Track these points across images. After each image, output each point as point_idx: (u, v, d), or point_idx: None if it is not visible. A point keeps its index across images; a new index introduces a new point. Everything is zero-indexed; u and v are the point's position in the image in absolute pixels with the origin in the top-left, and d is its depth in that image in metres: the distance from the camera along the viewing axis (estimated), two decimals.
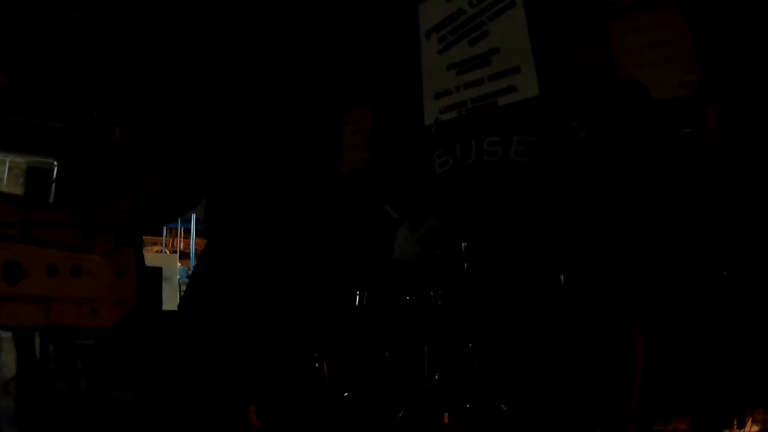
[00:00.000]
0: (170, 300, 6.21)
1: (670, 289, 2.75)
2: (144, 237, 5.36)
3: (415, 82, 4.35)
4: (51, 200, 7.67)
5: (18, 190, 8.58)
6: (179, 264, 8.07)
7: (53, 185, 8.24)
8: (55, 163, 7.92)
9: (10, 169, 8.88)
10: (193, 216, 8.99)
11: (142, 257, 2.86)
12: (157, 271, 6.27)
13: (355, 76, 4.78)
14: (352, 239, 4.02)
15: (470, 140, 3.78)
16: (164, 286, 6.41)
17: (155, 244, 10.32)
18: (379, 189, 4.22)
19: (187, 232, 10.08)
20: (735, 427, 2.45)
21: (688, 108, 3.29)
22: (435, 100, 4.19)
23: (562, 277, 2.78)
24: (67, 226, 1.14)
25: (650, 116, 2.56)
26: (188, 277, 7.71)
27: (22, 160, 8.71)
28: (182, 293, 6.60)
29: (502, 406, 2.76)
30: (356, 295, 3.19)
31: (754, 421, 2.43)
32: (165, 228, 9.74)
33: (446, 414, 2.70)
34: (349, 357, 3.22)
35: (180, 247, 10.66)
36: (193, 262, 8.96)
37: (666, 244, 2.70)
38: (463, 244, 3.08)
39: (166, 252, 9.93)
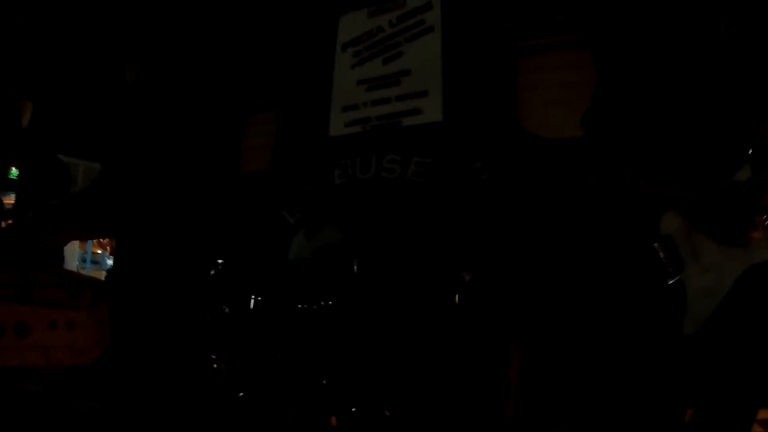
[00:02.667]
0: None
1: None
2: None
3: (325, 92, 4.33)
4: None
5: None
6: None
7: None
8: None
9: None
10: None
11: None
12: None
13: (265, 77, 4.73)
14: (247, 241, 3.94)
15: (371, 156, 3.80)
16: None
17: None
18: (278, 193, 4.19)
19: None
20: None
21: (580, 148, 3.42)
22: (342, 113, 4.20)
23: (456, 297, 2.97)
24: (58, 285, 1.42)
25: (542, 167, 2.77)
26: (83, 260, 7.86)
27: None
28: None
29: (386, 412, 2.91)
30: (251, 299, 3.26)
31: None
32: None
33: (333, 417, 2.88)
34: (246, 359, 3.28)
35: None
36: (90, 246, 8.68)
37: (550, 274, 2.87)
38: (354, 261, 3.17)
39: None
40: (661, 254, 1.39)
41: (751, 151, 1.37)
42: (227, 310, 3.36)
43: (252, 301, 3.30)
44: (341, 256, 3.34)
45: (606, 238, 1.74)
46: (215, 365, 3.19)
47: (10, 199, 6.78)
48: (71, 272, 1.53)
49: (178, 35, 4.58)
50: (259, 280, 3.45)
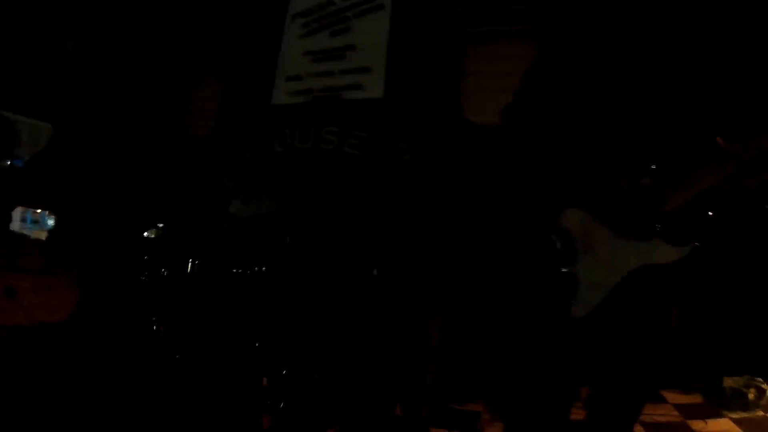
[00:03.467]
0: None
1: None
2: None
3: (271, 61, 4.35)
4: None
5: None
6: None
7: None
8: None
9: None
10: None
11: None
12: None
13: (212, 41, 4.71)
14: (188, 205, 4.00)
15: (311, 127, 3.86)
16: None
17: None
18: (218, 158, 4.22)
19: None
20: None
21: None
22: (286, 82, 4.23)
23: (375, 270, 3.08)
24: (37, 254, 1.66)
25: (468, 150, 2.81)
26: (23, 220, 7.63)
27: None
28: None
29: (315, 376, 3.06)
30: (189, 262, 3.30)
31: None
32: None
33: (264, 379, 3.00)
34: (183, 321, 3.35)
35: None
36: None
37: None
38: (288, 230, 3.27)
39: None
40: (558, 246, 1.52)
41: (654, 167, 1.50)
42: (165, 272, 3.41)
43: (189, 264, 3.35)
44: (276, 225, 3.41)
45: (513, 225, 1.87)
46: (155, 326, 3.24)
47: None
48: (44, 242, 1.76)
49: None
50: (197, 244, 3.49)
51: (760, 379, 3.31)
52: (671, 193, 1.47)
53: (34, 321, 1.58)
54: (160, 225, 3.59)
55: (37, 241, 1.78)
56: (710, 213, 1.58)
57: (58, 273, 1.67)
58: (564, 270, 1.51)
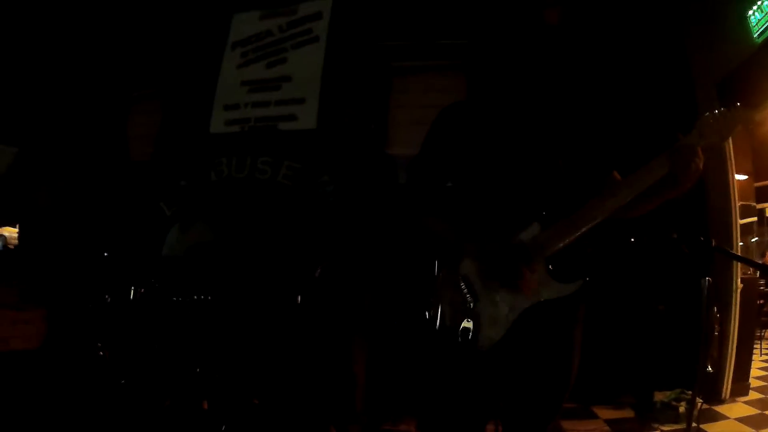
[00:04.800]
0: None
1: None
2: None
3: (210, 88, 4.47)
4: None
5: None
6: None
7: None
8: None
9: None
10: None
11: None
12: None
13: (150, 68, 4.79)
14: (126, 231, 4.09)
15: (246, 156, 4.00)
16: None
17: None
18: (156, 185, 4.28)
19: None
20: None
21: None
22: (223, 111, 4.35)
23: (298, 298, 3.21)
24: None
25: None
26: None
27: None
28: None
29: (255, 400, 3.22)
30: (131, 289, 3.39)
31: None
32: None
33: (205, 402, 3.14)
34: (127, 347, 3.44)
35: None
36: None
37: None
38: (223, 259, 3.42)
39: None
40: (463, 288, 1.76)
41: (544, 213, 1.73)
42: (109, 299, 3.49)
43: (132, 291, 3.44)
44: (211, 254, 3.55)
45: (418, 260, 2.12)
46: (100, 352, 3.32)
47: None
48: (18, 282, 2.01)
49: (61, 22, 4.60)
50: (139, 271, 3.59)
51: (690, 392, 3.45)
52: (558, 235, 1.70)
53: (8, 348, 1.93)
54: (105, 254, 3.68)
55: (12, 281, 2.01)
56: (597, 247, 1.82)
57: (31, 308, 2.01)
58: (469, 308, 1.75)
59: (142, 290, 3.56)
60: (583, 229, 1.67)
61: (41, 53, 4.31)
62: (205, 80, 4.51)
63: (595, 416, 3.67)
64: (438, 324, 1.79)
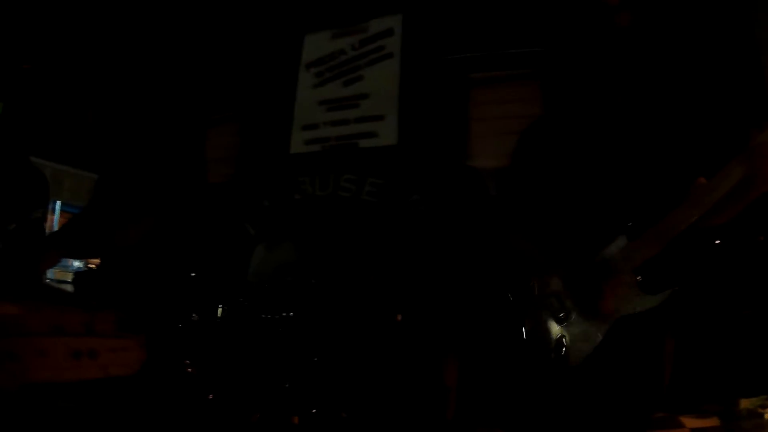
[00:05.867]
0: None
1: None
2: None
3: (287, 109, 4.51)
4: None
5: None
6: None
7: None
8: None
9: None
10: None
11: None
12: None
13: (226, 92, 4.88)
14: (212, 251, 4.11)
15: (329, 175, 4.00)
16: None
17: None
18: (239, 206, 4.32)
19: None
20: None
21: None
22: (302, 131, 4.39)
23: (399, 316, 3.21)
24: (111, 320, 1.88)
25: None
26: None
27: None
28: None
29: (342, 414, 3.13)
30: (218, 308, 3.43)
31: None
32: None
33: (296, 417, 3.05)
34: (215, 364, 3.49)
35: None
36: None
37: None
38: (311, 278, 3.41)
39: None
40: (554, 304, 1.74)
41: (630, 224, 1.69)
42: (195, 317, 3.54)
43: (219, 309, 3.49)
44: (299, 273, 3.55)
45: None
46: (188, 369, 3.37)
47: None
48: (116, 311, 2.06)
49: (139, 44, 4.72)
50: (226, 290, 3.63)
51: None
52: (644, 246, 1.65)
53: (109, 375, 1.83)
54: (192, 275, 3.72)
55: (109, 309, 2.02)
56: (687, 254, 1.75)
57: (130, 336, 1.94)
58: (562, 325, 1.71)
59: (229, 308, 3.60)
60: (669, 239, 1.64)
61: (119, 82, 4.44)
62: (281, 101, 4.56)
63: (680, 425, 3.51)
64: (529, 339, 1.78)
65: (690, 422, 3.52)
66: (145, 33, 4.68)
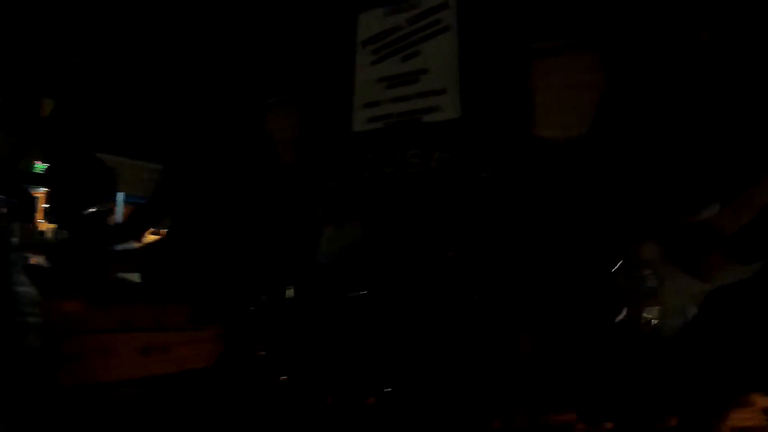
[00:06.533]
0: None
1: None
2: None
3: (346, 88, 4.49)
4: None
5: None
6: None
7: None
8: None
9: None
10: None
11: None
12: None
13: (284, 73, 4.87)
14: (280, 233, 4.13)
15: (394, 151, 3.99)
16: None
17: None
18: (304, 187, 4.33)
19: None
20: None
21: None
22: (363, 109, 4.37)
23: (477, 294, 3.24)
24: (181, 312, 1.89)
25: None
26: None
27: None
28: None
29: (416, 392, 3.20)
30: (286, 289, 3.46)
31: None
32: None
33: (371, 397, 3.18)
34: (286, 346, 3.51)
35: None
36: None
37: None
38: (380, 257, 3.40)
39: None
40: (646, 275, 1.65)
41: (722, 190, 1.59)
42: (265, 299, 3.56)
43: (289, 291, 3.51)
44: (367, 252, 3.54)
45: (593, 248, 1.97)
46: (259, 352, 3.40)
47: (38, 192, 6.95)
48: (188, 302, 1.95)
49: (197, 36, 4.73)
50: (295, 272, 3.64)
51: None
52: (737, 214, 1.55)
53: (184, 368, 1.83)
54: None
55: (181, 300, 1.94)
56: None
57: (204, 328, 1.94)
58: (651, 298, 1.62)
59: (300, 289, 3.61)
60: (762, 207, 1.54)
61: (181, 71, 4.46)
62: (340, 81, 4.54)
63: (750, 404, 3.46)
64: (617, 314, 1.70)
65: (761, 401, 3.48)
66: (200, 21, 4.69)
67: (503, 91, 4.02)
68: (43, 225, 7.87)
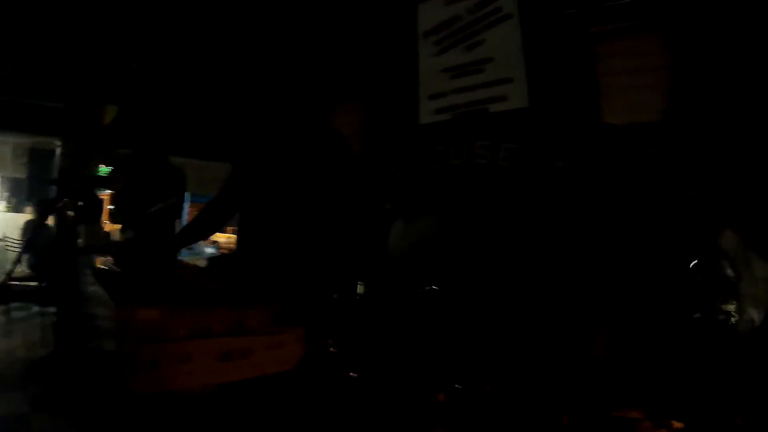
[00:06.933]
0: None
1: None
2: None
3: (411, 80, 4.53)
4: (54, 177, 7.79)
5: (21, 170, 8.68)
6: None
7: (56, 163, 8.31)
8: (58, 143, 7.99)
9: (13, 149, 8.88)
10: None
11: None
12: None
13: (349, 68, 4.92)
14: (349, 228, 4.15)
15: (462, 143, 3.99)
16: None
17: None
18: (372, 181, 4.38)
19: None
20: None
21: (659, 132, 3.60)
22: (429, 101, 4.40)
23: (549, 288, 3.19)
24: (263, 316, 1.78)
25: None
26: None
27: (25, 141, 8.70)
28: None
29: (487, 388, 3.21)
30: (357, 285, 3.49)
31: None
32: None
33: (441, 394, 3.17)
34: (355, 343, 3.54)
35: None
36: None
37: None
38: (453, 251, 3.41)
39: None
40: (724, 267, 1.64)
41: None
42: (336, 296, 3.62)
43: (360, 286, 3.55)
44: (440, 246, 3.57)
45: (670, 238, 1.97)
46: (330, 348, 3.46)
47: (104, 194, 7.22)
48: (269, 305, 1.92)
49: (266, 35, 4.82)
50: (365, 267, 3.69)
51: None
52: None
53: (266, 372, 1.74)
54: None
55: (262, 304, 1.93)
56: None
57: (286, 331, 1.82)
58: (732, 288, 1.61)
59: (370, 285, 3.63)
60: None
61: (248, 70, 4.58)
62: (404, 73, 4.57)
63: None
64: (694, 308, 1.68)
65: None
66: (266, 20, 4.79)
67: (569, 78, 4.01)
68: (108, 226, 8.19)
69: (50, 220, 6.92)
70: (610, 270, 3.04)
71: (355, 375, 3.46)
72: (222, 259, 5.73)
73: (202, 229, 3.76)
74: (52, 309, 6.66)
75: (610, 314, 3.13)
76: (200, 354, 1.59)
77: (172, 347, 1.56)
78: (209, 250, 8.28)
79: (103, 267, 2.93)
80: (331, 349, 3.63)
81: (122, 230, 5.35)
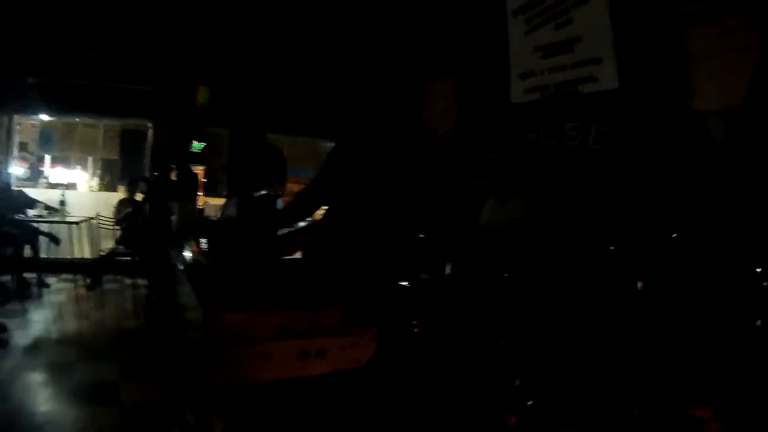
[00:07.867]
0: None
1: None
2: None
3: (502, 59, 4.63)
4: (146, 159, 8.17)
5: (114, 151, 9.17)
6: None
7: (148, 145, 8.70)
8: (149, 124, 8.38)
9: (105, 131, 9.36)
10: None
11: None
12: None
13: (440, 47, 4.97)
14: (439, 206, 4.32)
15: (552, 123, 4.13)
16: None
17: None
18: (464, 159, 4.51)
19: None
20: None
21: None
22: (520, 80, 4.50)
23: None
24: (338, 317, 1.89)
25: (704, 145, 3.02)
26: None
27: (116, 123, 9.15)
28: None
29: (563, 374, 3.25)
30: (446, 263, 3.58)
31: None
32: None
33: (517, 379, 3.24)
34: (440, 322, 3.67)
35: None
36: None
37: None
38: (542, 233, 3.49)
39: None
40: None
41: None
42: (424, 277, 3.76)
43: (448, 267, 3.66)
44: (530, 229, 3.62)
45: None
46: (414, 328, 3.53)
47: (198, 168, 7.57)
48: (345, 305, 2.09)
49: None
50: (454, 246, 3.79)
51: None
52: None
53: (337, 370, 1.83)
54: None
55: (337, 304, 2.09)
56: None
57: (359, 333, 1.91)
58: None
59: (459, 264, 3.66)
60: None
61: (348, 51, 4.73)
62: (495, 52, 4.68)
63: None
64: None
65: None
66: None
67: (659, 58, 4.01)
68: (202, 200, 8.54)
69: (139, 197, 7.30)
70: (695, 263, 3.09)
71: (436, 356, 3.54)
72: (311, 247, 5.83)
73: (300, 210, 3.88)
74: (143, 282, 7.08)
75: (692, 310, 3.14)
76: (279, 353, 1.73)
77: (254, 348, 1.70)
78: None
79: (193, 262, 2.90)
80: (416, 330, 3.66)
81: (223, 210, 5.57)
